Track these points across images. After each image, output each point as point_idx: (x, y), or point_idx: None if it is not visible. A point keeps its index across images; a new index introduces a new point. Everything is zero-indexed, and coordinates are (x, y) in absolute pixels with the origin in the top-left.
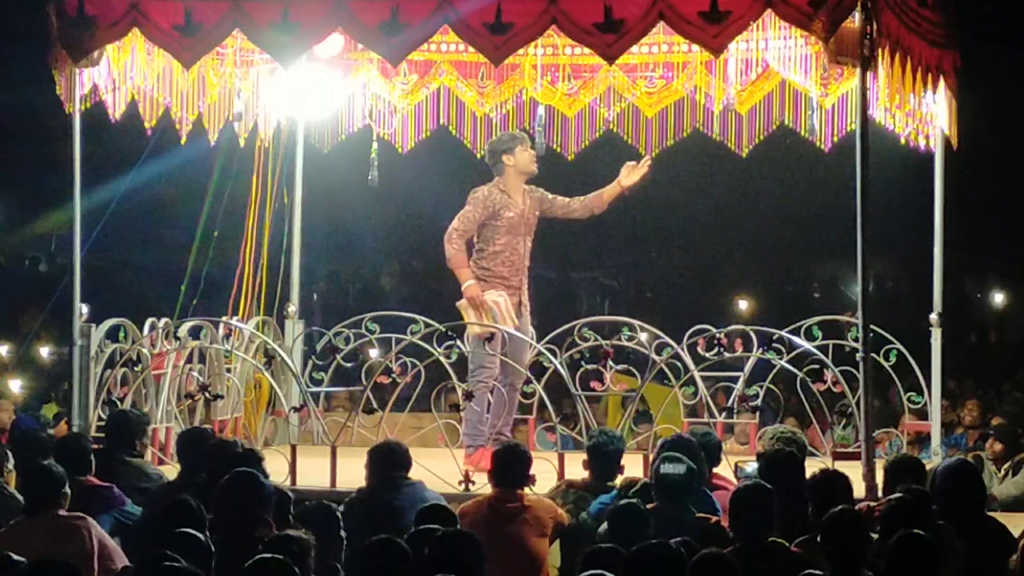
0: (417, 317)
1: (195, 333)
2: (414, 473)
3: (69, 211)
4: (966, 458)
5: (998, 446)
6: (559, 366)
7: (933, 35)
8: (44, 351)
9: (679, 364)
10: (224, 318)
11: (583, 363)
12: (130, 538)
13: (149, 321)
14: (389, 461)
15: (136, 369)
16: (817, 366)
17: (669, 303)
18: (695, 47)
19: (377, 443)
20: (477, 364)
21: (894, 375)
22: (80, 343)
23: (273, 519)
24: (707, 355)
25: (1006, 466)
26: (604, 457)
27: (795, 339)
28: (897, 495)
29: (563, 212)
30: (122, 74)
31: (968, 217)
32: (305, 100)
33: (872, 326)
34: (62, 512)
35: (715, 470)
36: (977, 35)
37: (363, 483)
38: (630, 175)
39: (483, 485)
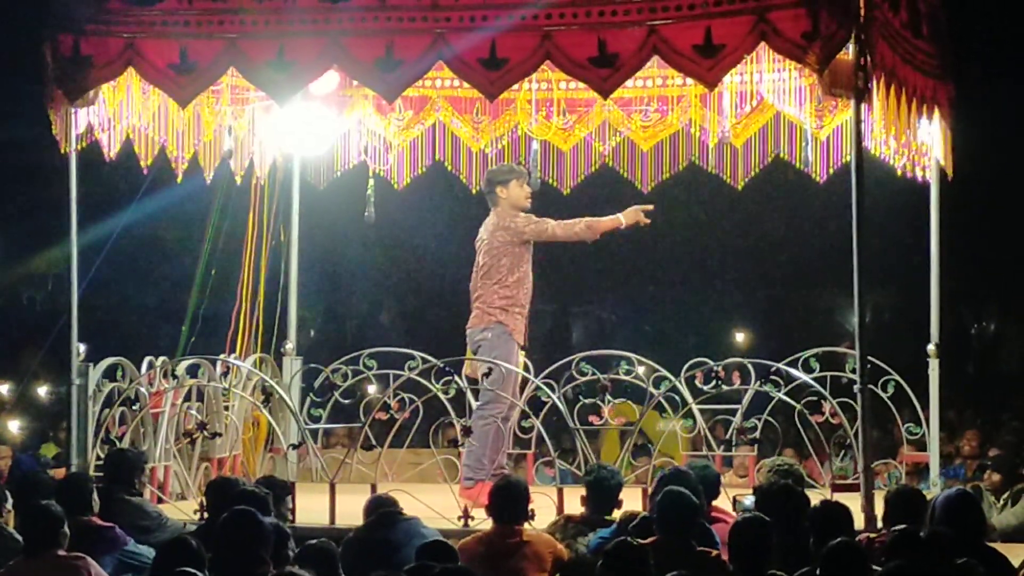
0: (415, 353)
1: (193, 371)
2: (413, 509)
3: (66, 250)
4: (966, 488)
5: (996, 477)
6: (557, 400)
7: (927, 66)
8: (42, 390)
9: (677, 397)
10: (222, 356)
11: (581, 397)
12: None
13: (147, 360)
14: (381, 503)
15: (134, 408)
16: (815, 398)
17: (666, 336)
18: (690, 81)
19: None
20: (490, 399)
21: (892, 406)
22: (78, 382)
23: (271, 557)
24: (705, 388)
25: (1005, 496)
26: (604, 491)
27: (793, 371)
28: (902, 527)
29: None
30: (117, 113)
31: (964, 247)
32: (301, 137)
33: (869, 357)
34: (61, 552)
35: (714, 503)
36: (971, 65)
37: (361, 520)
38: (632, 213)
39: (482, 520)
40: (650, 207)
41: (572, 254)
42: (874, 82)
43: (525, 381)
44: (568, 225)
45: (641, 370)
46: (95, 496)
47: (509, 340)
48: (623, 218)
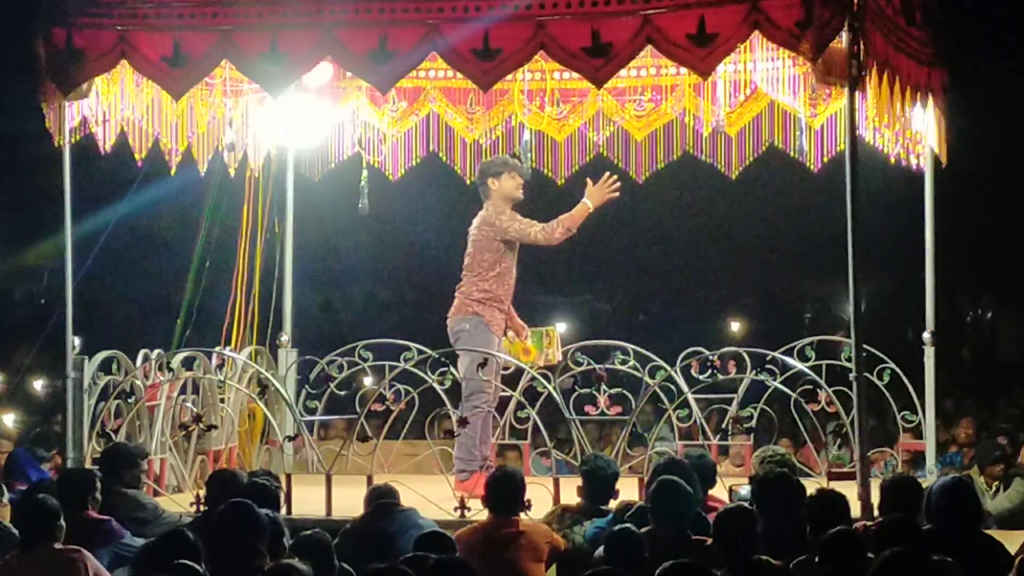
0: (410, 344)
1: (188, 364)
2: (409, 500)
3: (61, 243)
4: (961, 476)
5: (998, 468)
6: (553, 391)
7: (921, 54)
8: (38, 384)
9: (673, 387)
10: (217, 348)
11: (576, 387)
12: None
13: (142, 352)
14: (381, 494)
15: (130, 401)
16: (811, 386)
17: (662, 326)
18: (683, 70)
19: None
20: (474, 389)
21: (888, 394)
22: (73, 375)
23: (268, 549)
24: (701, 377)
25: (996, 483)
26: (600, 482)
27: (788, 360)
28: (884, 518)
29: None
30: (111, 106)
31: (959, 234)
32: (295, 129)
33: (865, 345)
34: (58, 545)
35: (710, 492)
36: (965, 52)
37: (358, 511)
38: (596, 195)
39: (479, 511)
40: (612, 177)
41: (565, 244)
42: (867, 70)
43: (520, 372)
44: (548, 230)
45: (636, 360)
46: (97, 491)
47: (487, 331)
48: (590, 202)
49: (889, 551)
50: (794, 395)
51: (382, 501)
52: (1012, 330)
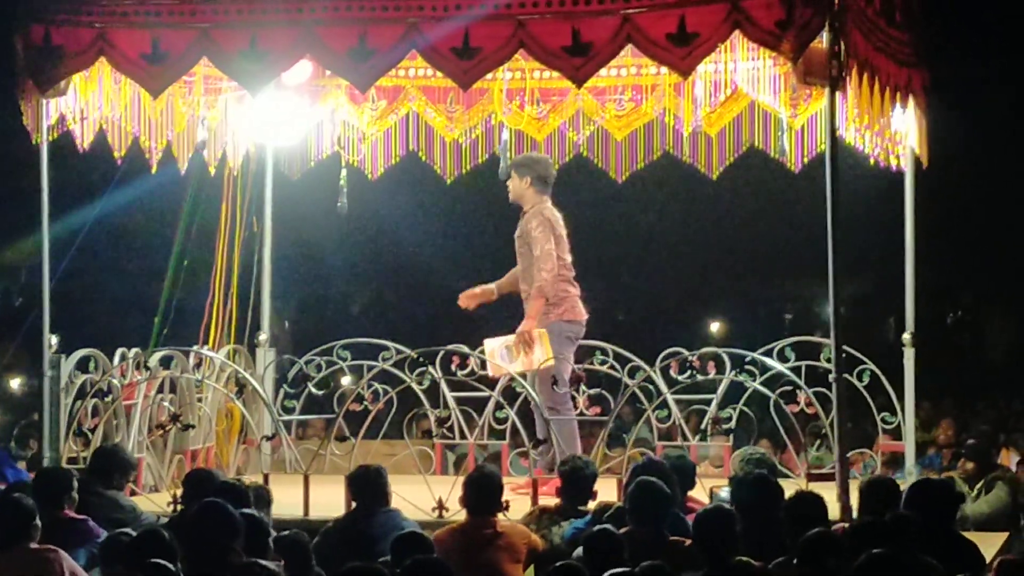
0: (388, 344)
1: (166, 363)
2: None
3: (38, 241)
4: (939, 477)
5: (970, 465)
6: (530, 391)
7: (902, 54)
8: (15, 383)
9: (652, 387)
10: (195, 347)
11: (555, 388)
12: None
13: (119, 351)
14: (363, 488)
15: (107, 400)
16: (790, 387)
17: (641, 326)
18: (664, 69)
19: (354, 470)
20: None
21: (867, 396)
22: (50, 374)
23: (247, 547)
24: (680, 378)
25: (978, 485)
26: (578, 482)
27: (768, 361)
28: (868, 518)
29: None
30: (90, 104)
31: (940, 235)
32: (274, 127)
33: (845, 347)
34: (33, 545)
35: (690, 493)
36: (945, 52)
37: (336, 511)
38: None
39: (456, 512)
40: None
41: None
42: (848, 71)
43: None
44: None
45: (615, 360)
46: (74, 490)
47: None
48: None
49: (868, 552)
50: (774, 396)
51: (366, 501)
52: (992, 332)
